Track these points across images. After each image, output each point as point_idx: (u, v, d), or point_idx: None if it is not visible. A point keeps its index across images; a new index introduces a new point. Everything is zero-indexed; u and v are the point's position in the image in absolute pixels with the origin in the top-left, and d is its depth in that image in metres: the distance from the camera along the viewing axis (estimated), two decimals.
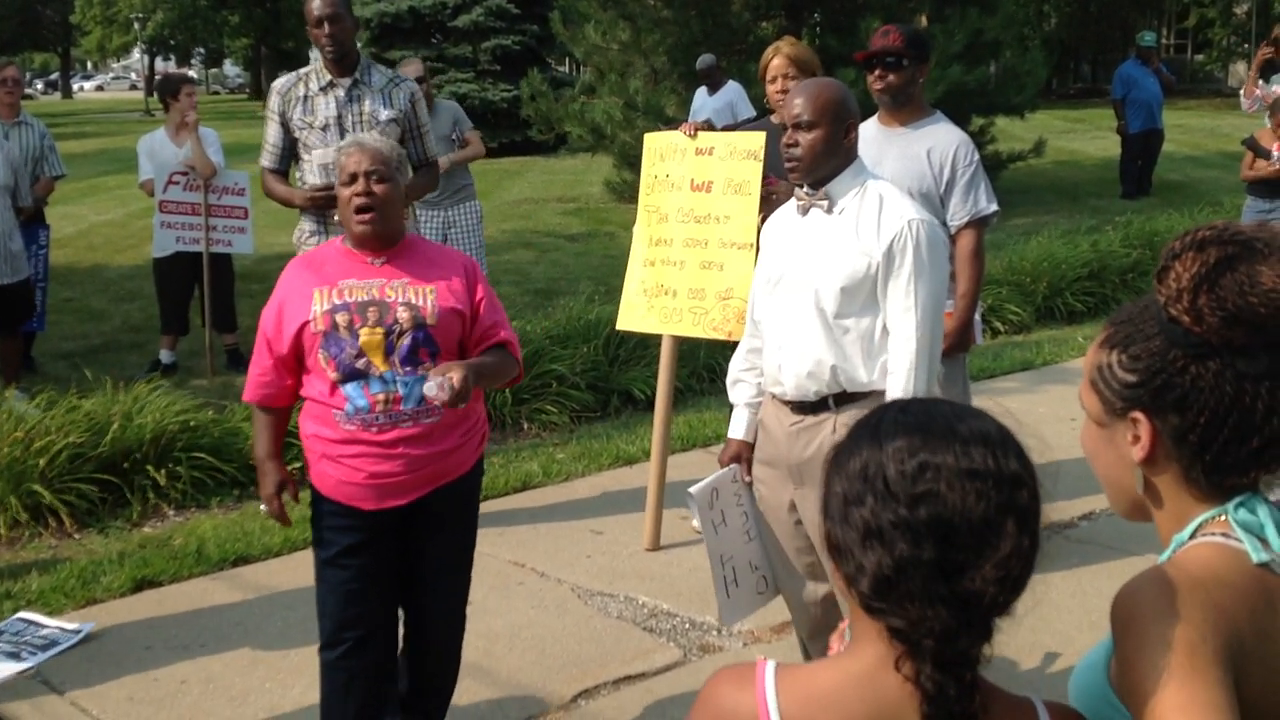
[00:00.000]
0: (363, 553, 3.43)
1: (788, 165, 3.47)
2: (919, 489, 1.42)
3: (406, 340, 3.28)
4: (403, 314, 3.29)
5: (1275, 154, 7.91)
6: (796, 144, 3.41)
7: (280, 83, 5.43)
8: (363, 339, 3.27)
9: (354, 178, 3.35)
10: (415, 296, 3.33)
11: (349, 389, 3.28)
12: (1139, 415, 1.54)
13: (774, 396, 3.58)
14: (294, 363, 3.39)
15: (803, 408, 3.49)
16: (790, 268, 3.49)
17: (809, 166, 3.42)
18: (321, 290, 3.33)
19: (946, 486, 1.41)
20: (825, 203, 3.45)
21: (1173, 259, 1.51)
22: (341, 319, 3.28)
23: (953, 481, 1.41)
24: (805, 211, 3.51)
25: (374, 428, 3.28)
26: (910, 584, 1.40)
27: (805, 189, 3.49)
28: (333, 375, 3.28)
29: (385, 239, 3.40)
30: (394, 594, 3.55)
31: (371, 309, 3.29)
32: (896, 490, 1.43)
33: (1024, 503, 1.42)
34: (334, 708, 3.51)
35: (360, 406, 3.27)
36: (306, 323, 3.30)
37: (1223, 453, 1.51)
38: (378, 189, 3.35)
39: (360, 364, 3.27)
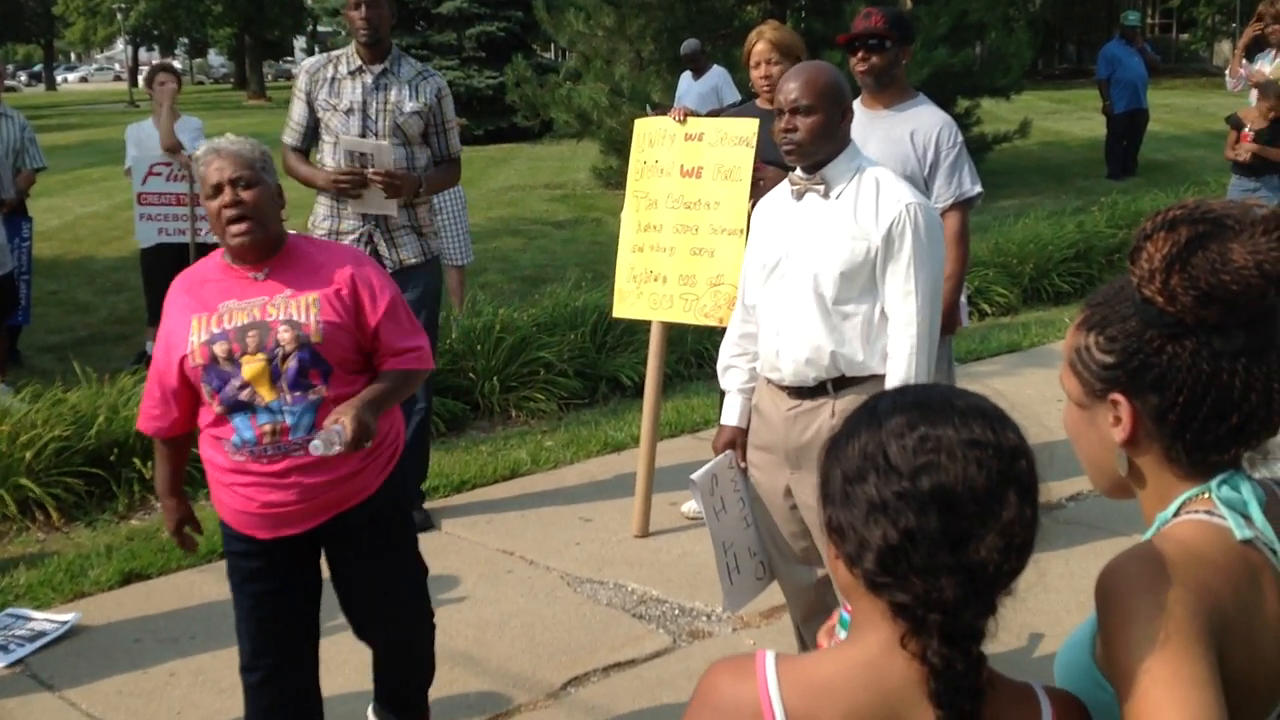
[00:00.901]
0: (265, 579, 3.30)
1: (785, 149, 3.45)
2: (920, 460, 1.42)
3: (292, 363, 3.08)
4: (284, 335, 3.08)
5: (1249, 128, 7.92)
6: (795, 128, 3.39)
7: (310, 62, 5.43)
8: (245, 370, 3.07)
9: (219, 188, 3.12)
10: (297, 311, 3.11)
11: (236, 420, 3.11)
12: (1118, 396, 1.54)
13: (770, 381, 3.57)
14: (187, 394, 3.19)
15: (800, 393, 3.49)
16: (787, 253, 3.48)
17: (808, 150, 3.41)
18: (199, 318, 3.13)
19: (947, 457, 1.41)
20: (821, 187, 3.45)
21: (1144, 239, 1.52)
22: (220, 350, 3.08)
23: (954, 452, 1.42)
24: (800, 196, 3.50)
25: (263, 459, 3.11)
26: (916, 555, 1.40)
27: (800, 173, 3.48)
28: (217, 409, 3.12)
29: (264, 247, 3.18)
30: (309, 620, 3.41)
31: (251, 334, 3.08)
32: (898, 464, 1.43)
33: (1024, 473, 1.43)
34: None
35: (247, 439, 3.10)
36: (185, 356, 3.11)
37: (1203, 430, 1.51)
38: (246, 195, 3.12)
39: (244, 395, 3.08)
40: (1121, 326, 1.54)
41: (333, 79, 5.26)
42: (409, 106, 5.23)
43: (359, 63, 5.25)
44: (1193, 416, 1.51)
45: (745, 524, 3.69)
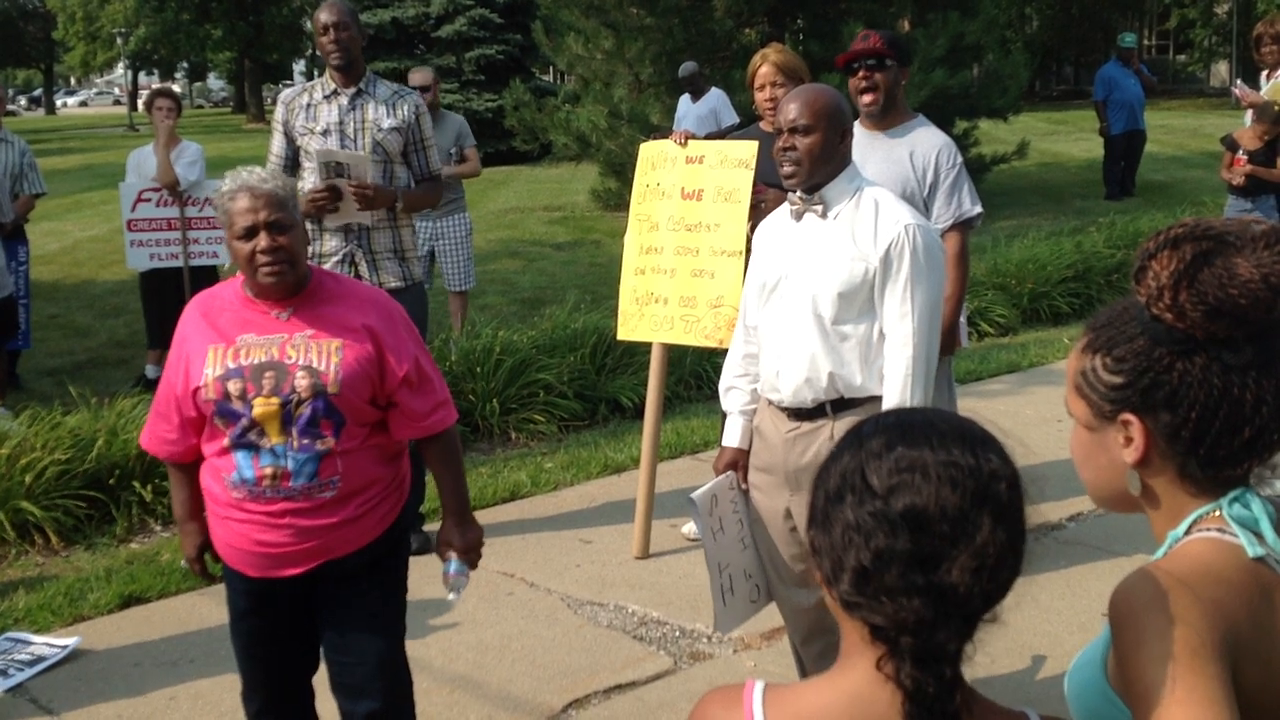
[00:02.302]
0: (252, 617, 3.25)
1: (785, 170, 3.45)
2: (893, 480, 1.42)
3: (306, 411, 2.99)
4: (301, 381, 2.99)
5: (1243, 150, 7.95)
6: (794, 148, 3.40)
7: (286, 93, 5.46)
8: (257, 410, 2.98)
9: (252, 231, 3.00)
10: (318, 357, 3.02)
11: (238, 456, 3.03)
12: (1130, 417, 1.55)
13: (771, 403, 3.57)
14: (202, 421, 3.10)
15: (800, 414, 3.48)
16: (786, 273, 3.49)
17: (808, 171, 3.41)
18: (216, 349, 3.04)
19: (921, 477, 1.41)
20: (820, 207, 3.45)
21: (1149, 258, 1.53)
22: (234, 387, 2.99)
23: (928, 472, 1.41)
24: (799, 216, 3.51)
25: (261, 499, 3.04)
26: (887, 576, 1.39)
27: (800, 194, 3.49)
28: (225, 442, 3.04)
29: (293, 287, 3.09)
30: (303, 657, 3.35)
31: (268, 375, 2.99)
32: (874, 485, 1.43)
33: (1001, 495, 1.42)
34: None
35: (247, 478, 3.03)
36: (199, 388, 3.03)
37: (1216, 445, 1.52)
38: (283, 240, 3.01)
39: (252, 435, 3.01)
40: (1129, 346, 1.54)
41: (309, 105, 5.28)
42: (387, 123, 5.24)
43: (334, 86, 5.26)
44: (1205, 432, 1.51)
45: (743, 546, 3.68)
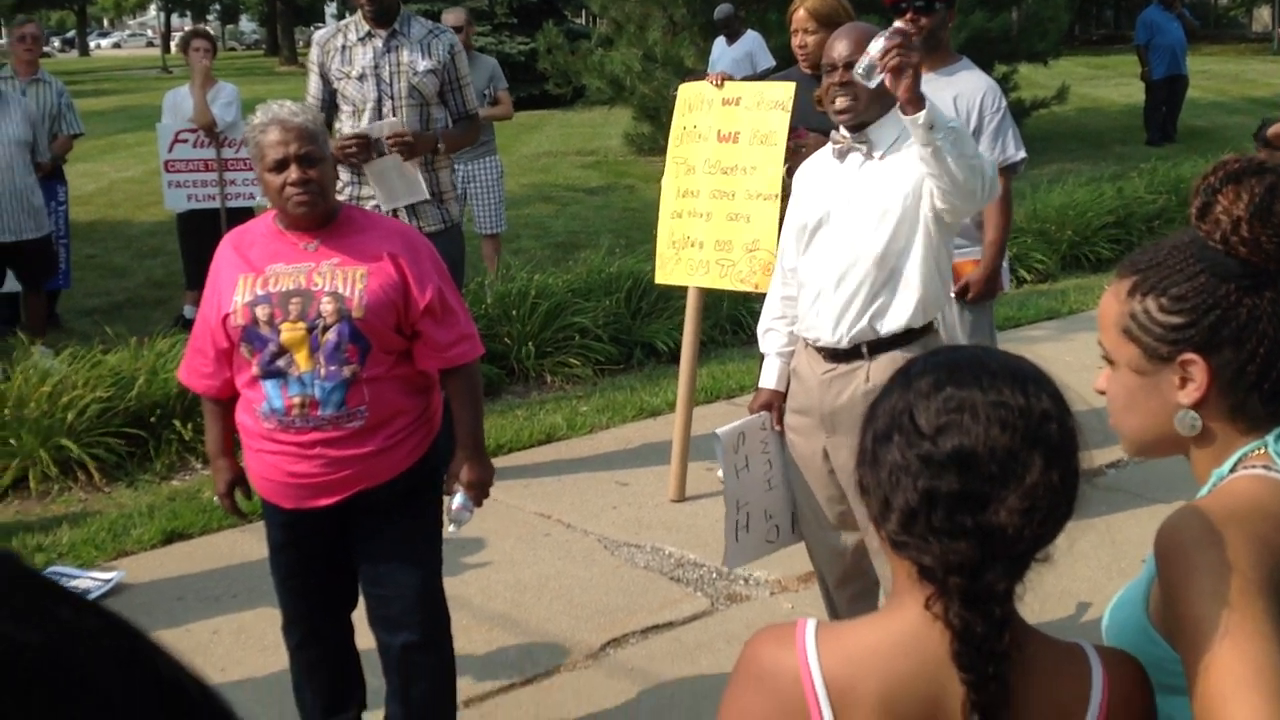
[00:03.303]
0: (290, 550, 3.32)
1: (840, 105, 3.41)
2: (942, 421, 1.41)
3: (332, 336, 3.05)
4: (327, 306, 3.04)
5: None
6: (850, 82, 3.35)
7: (320, 34, 5.42)
8: (284, 335, 3.05)
9: (283, 163, 3.06)
10: (344, 284, 3.07)
11: (267, 386, 3.09)
12: (1192, 356, 1.53)
13: (808, 344, 3.56)
14: (234, 354, 3.18)
15: (836, 355, 3.48)
16: (828, 213, 3.46)
17: (864, 107, 3.38)
18: (246, 278, 3.10)
19: (970, 418, 1.40)
20: (865, 146, 3.42)
21: (1213, 194, 1.51)
22: (262, 312, 3.05)
23: (977, 412, 1.40)
24: (843, 156, 3.47)
25: (291, 429, 3.09)
26: (934, 517, 1.39)
27: (844, 132, 3.45)
28: (254, 370, 3.10)
29: (322, 218, 3.15)
30: (341, 589, 3.40)
31: (294, 300, 3.05)
32: (922, 425, 1.42)
33: (1053, 437, 1.41)
34: (301, 688, 3.51)
35: (277, 408, 3.08)
36: (228, 314, 3.09)
37: None
38: (313, 173, 3.08)
39: (281, 362, 3.06)
40: (1190, 285, 1.52)
41: (343, 47, 5.23)
42: (423, 65, 5.19)
43: (368, 28, 5.21)
44: (1271, 367, 1.51)
45: (768, 486, 3.69)
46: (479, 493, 3.33)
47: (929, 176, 3.24)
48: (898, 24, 3.24)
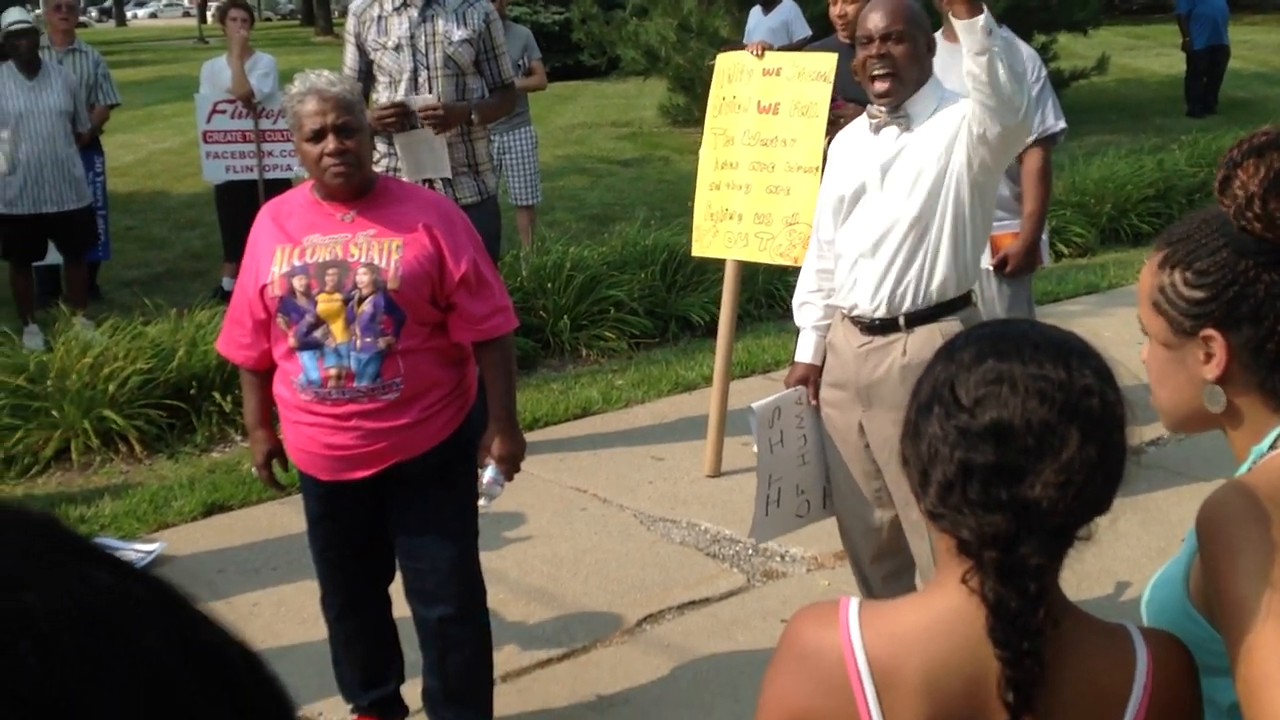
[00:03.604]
0: (327, 522, 3.35)
1: (880, 83, 3.36)
2: (981, 393, 1.41)
3: (367, 307, 3.07)
4: (363, 277, 3.06)
5: None
6: (888, 55, 3.31)
7: (356, 4, 5.40)
8: (320, 306, 3.07)
9: (320, 133, 3.08)
10: (379, 255, 3.09)
11: (304, 358, 3.12)
12: (1211, 332, 1.52)
13: (844, 317, 3.55)
14: (271, 325, 3.20)
15: (872, 328, 3.46)
16: (866, 184, 3.44)
17: (905, 77, 3.34)
18: (283, 249, 3.13)
19: (1009, 390, 1.39)
20: (904, 119, 3.39)
21: (1234, 167, 1.50)
22: (299, 283, 3.08)
23: (1016, 385, 1.39)
24: (879, 129, 3.45)
25: (328, 401, 3.12)
26: (969, 489, 1.39)
27: (880, 105, 3.42)
28: (291, 341, 3.12)
29: (359, 188, 3.18)
30: (379, 561, 3.42)
31: (330, 271, 3.07)
32: (961, 396, 1.42)
33: (1093, 411, 1.39)
34: (339, 661, 3.54)
35: (313, 379, 3.11)
36: (265, 285, 3.11)
37: None
38: (350, 144, 3.09)
39: (318, 333, 3.09)
40: (1212, 259, 1.51)
41: (379, 17, 5.21)
42: (458, 35, 5.17)
43: None
44: None
45: (801, 461, 3.67)
46: (510, 466, 3.32)
47: (974, 92, 3.15)
48: None
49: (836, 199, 3.54)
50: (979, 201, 3.41)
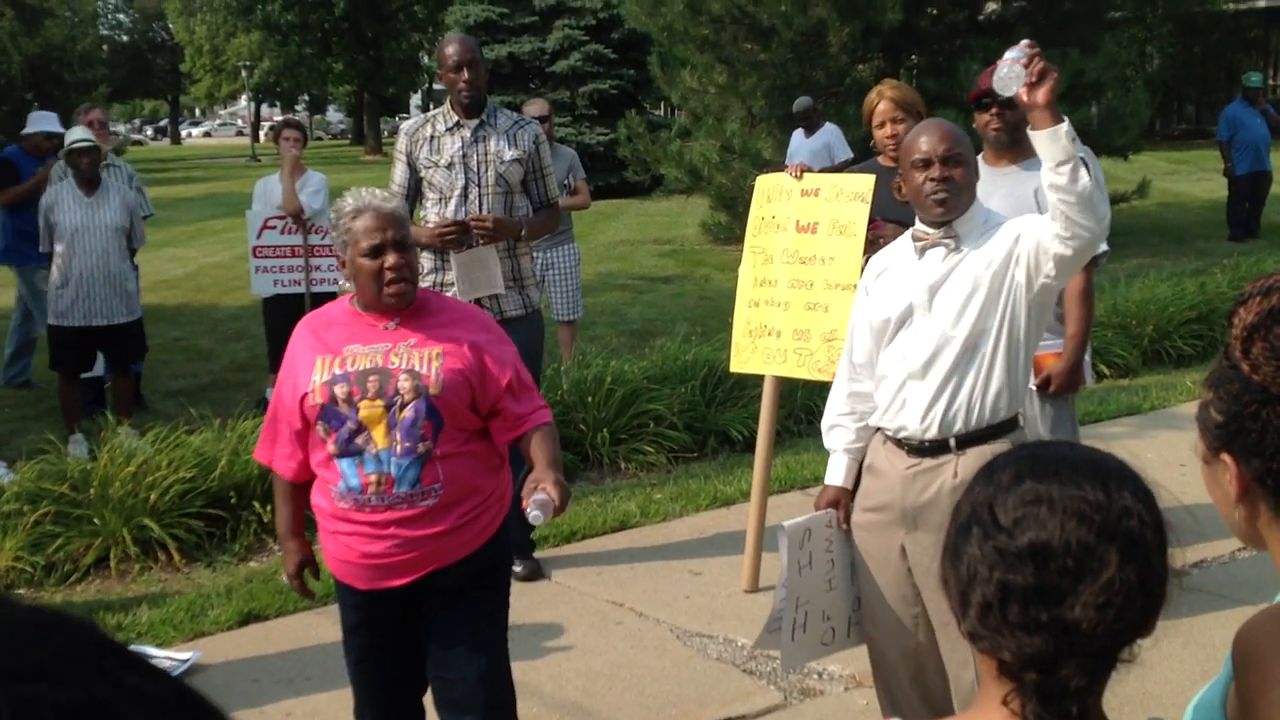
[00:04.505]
0: (364, 632, 3.35)
1: (941, 205, 3.37)
2: (1019, 514, 1.41)
3: (409, 413, 3.10)
4: (404, 383, 3.10)
5: None
6: (951, 179, 3.35)
7: (409, 124, 5.55)
8: (362, 412, 3.10)
9: (380, 249, 3.14)
10: (420, 362, 3.14)
11: (344, 465, 3.14)
12: (1226, 457, 1.52)
13: (889, 439, 3.51)
14: (309, 436, 3.23)
15: (921, 449, 3.42)
16: (912, 305, 3.43)
17: (964, 199, 3.38)
18: (324, 359, 3.17)
19: (1048, 510, 1.40)
20: (952, 241, 3.41)
21: (1239, 304, 1.51)
22: (340, 391, 3.11)
23: (1054, 506, 1.40)
24: (924, 251, 3.45)
25: (366, 509, 3.13)
26: (1009, 611, 1.38)
27: (926, 227, 3.44)
28: (330, 449, 3.14)
29: (406, 304, 3.25)
30: (413, 674, 3.40)
31: (372, 379, 3.12)
32: (1000, 518, 1.42)
33: (1133, 532, 1.39)
34: None
35: (353, 486, 3.13)
36: (306, 394, 3.15)
37: None
38: (409, 258, 3.18)
39: (359, 440, 3.11)
40: (1229, 387, 1.53)
41: (431, 137, 5.35)
42: (509, 155, 5.29)
43: (456, 118, 5.33)
44: None
45: (828, 586, 3.61)
46: (562, 492, 3.11)
47: (1059, 203, 3.12)
48: (1025, 41, 3.17)
49: (881, 322, 3.51)
50: (1035, 322, 3.40)
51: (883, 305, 3.53)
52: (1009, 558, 1.39)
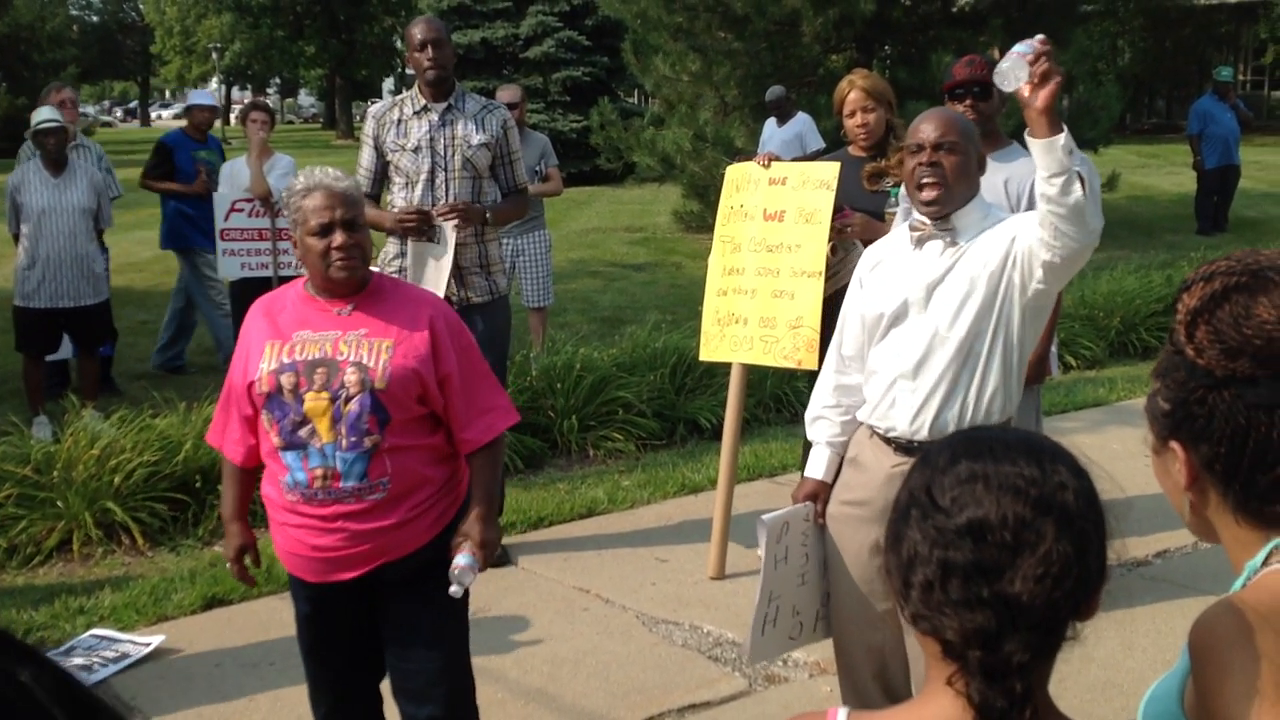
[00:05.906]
0: (317, 621, 3.31)
1: (928, 192, 3.28)
2: (956, 492, 1.42)
3: (354, 407, 3.04)
4: (350, 376, 3.04)
5: None
6: (939, 164, 3.26)
7: (376, 108, 5.52)
8: (307, 404, 3.05)
9: (328, 227, 3.08)
10: (368, 354, 3.08)
11: (289, 458, 3.09)
12: (1175, 445, 1.54)
13: (876, 434, 3.46)
14: (258, 421, 3.18)
15: (910, 449, 3.36)
16: (907, 301, 3.37)
17: (954, 189, 3.28)
18: (273, 345, 3.12)
19: (984, 488, 1.41)
20: (949, 234, 3.32)
21: (1184, 290, 1.53)
22: (286, 381, 3.06)
23: (990, 483, 1.41)
24: (921, 244, 3.37)
25: (314, 502, 3.09)
26: (950, 588, 1.39)
27: (924, 218, 3.36)
28: (275, 440, 3.10)
29: (357, 285, 3.17)
30: (364, 662, 3.38)
31: (319, 370, 3.06)
32: (938, 498, 1.44)
33: (1068, 505, 1.40)
34: None
35: (299, 480, 3.08)
36: (253, 381, 3.10)
37: (1249, 481, 1.50)
38: (357, 238, 3.10)
39: (302, 433, 3.06)
40: (1175, 375, 1.55)
41: (399, 120, 5.32)
42: (476, 139, 5.27)
43: (424, 102, 5.30)
44: (1236, 466, 1.50)
45: (800, 580, 3.58)
46: (488, 553, 3.21)
47: (1049, 214, 3.05)
48: (1039, 37, 3.02)
49: (874, 316, 3.43)
50: (1030, 325, 3.34)
51: (877, 299, 3.45)
52: (948, 535, 1.40)
